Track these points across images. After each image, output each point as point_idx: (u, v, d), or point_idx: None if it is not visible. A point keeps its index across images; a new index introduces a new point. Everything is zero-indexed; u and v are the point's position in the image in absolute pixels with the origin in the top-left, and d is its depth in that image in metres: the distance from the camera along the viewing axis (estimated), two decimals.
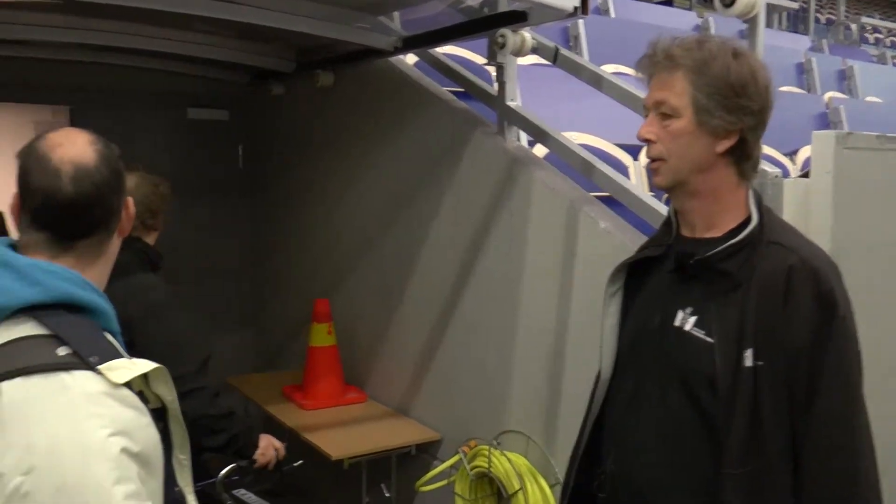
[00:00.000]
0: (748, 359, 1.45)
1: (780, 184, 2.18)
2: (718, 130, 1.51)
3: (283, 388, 3.92)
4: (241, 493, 2.92)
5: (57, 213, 1.26)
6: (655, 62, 1.57)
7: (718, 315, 1.50)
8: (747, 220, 1.55)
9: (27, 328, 1.18)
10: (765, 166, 2.06)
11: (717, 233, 1.57)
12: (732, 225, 1.56)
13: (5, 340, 1.17)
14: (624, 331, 1.72)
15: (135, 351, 2.45)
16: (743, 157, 1.55)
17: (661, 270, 1.65)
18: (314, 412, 3.65)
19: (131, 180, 2.59)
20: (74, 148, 1.28)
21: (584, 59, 4.07)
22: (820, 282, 1.45)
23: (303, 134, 4.40)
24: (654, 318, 1.62)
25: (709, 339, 1.50)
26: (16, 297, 1.18)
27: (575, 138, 3.14)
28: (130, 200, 1.39)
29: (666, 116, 1.54)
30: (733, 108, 1.50)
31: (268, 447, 2.74)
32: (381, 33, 3.35)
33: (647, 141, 1.58)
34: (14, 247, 1.27)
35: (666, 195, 3.10)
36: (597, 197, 2.78)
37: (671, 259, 1.63)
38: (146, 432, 1.19)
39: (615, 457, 1.69)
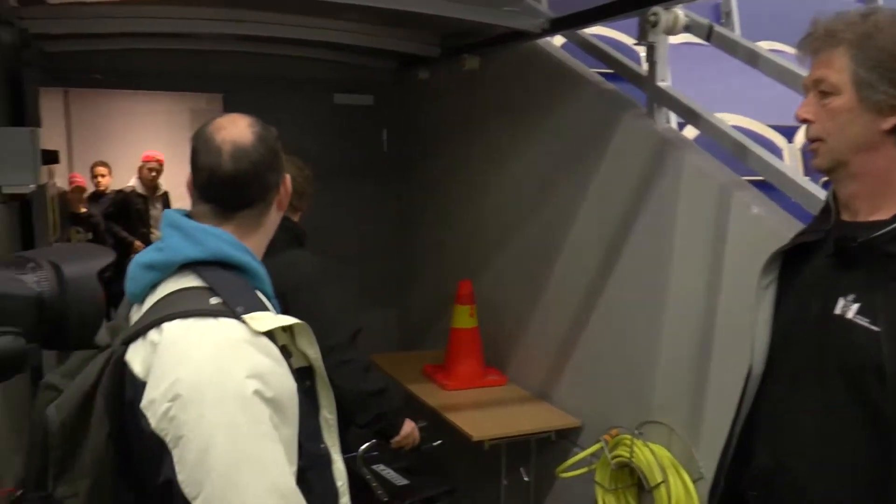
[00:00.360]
0: None
1: None
2: (883, 107, 1.43)
3: (424, 368, 3.99)
4: (380, 468, 3.00)
5: (219, 188, 1.40)
6: (816, 39, 1.50)
7: (885, 302, 1.40)
8: None
9: (189, 280, 1.35)
10: None
11: (883, 215, 1.47)
12: None
13: (171, 290, 1.34)
14: (777, 322, 1.63)
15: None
16: None
17: (819, 256, 1.56)
18: (455, 392, 3.69)
19: None
20: (235, 130, 1.41)
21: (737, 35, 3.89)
22: None
23: (448, 118, 4.44)
24: (810, 306, 1.53)
25: (874, 328, 1.40)
26: (181, 253, 1.35)
27: (727, 119, 3.01)
28: (288, 178, 1.50)
29: (825, 94, 1.48)
30: None
31: (410, 433, 2.79)
32: (528, 16, 3.32)
33: (805, 121, 1.52)
34: (189, 216, 1.43)
35: (823, 179, 2.95)
36: (749, 181, 2.66)
37: (829, 244, 1.54)
38: (282, 380, 1.28)
39: (771, 452, 1.61)
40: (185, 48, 4.25)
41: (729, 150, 2.72)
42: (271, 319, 1.30)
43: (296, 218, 2.86)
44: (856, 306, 1.44)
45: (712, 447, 2.64)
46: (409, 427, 2.80)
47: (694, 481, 2.70)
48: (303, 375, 1.37)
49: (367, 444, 2.86)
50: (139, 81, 4.79)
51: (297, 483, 1.27)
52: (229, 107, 4.94)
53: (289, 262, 2.59)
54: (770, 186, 2.60)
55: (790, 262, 1.63)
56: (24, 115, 3.75)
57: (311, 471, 1.35)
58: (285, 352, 1.33)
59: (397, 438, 2.77)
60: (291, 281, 2.50)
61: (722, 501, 1.72)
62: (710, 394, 2.66)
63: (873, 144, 1.46)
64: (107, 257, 0.90)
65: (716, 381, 2.64)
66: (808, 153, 1.58)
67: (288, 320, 1.34)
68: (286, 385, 1.28)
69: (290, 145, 2.91)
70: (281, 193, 1.49)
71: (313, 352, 1.39)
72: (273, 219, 1.50)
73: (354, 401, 2.64)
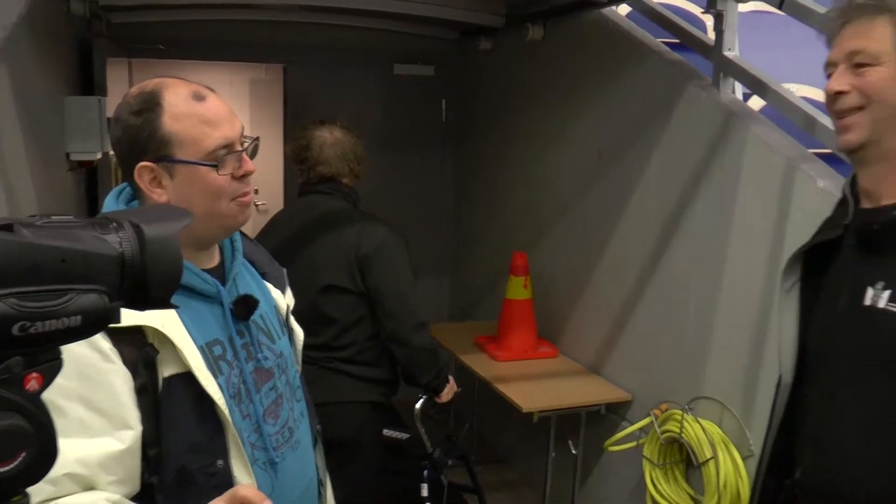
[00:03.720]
0: None
1: None
2: None
3: (476, 338, 3.99)
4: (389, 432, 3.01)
5: None
6: (857, 6, 1.41)
7: None
8: None
9: None
10: None
11: None
12: None
13: None
14: (805, 327, 1.55)
15: (367, 283, 2.55)
16: None
17: (841, 251, 1.49)
18: (506, 364, 3.69)
19: (335, 134, 2.75)
20: None
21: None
22: None
23: (509, 88, 4.41)
24: (838, 302, 1.46)
25: None
26: None
27: (796, 90, 2.92)
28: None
29: (861, 66, 1.39)
30: None
31: (452, 387, 2.83)
32: None
33: (839, 94, 1.41)
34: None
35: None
36: (817, 154, 2.57)
37: (851, 236, 1.46)
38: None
39: (812, 465, 1.52)
40: (246, 19, 4.29)
41: (797, 122, 2.64)
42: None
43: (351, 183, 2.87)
44: (887, 293, 1.37)
45: (765, 425, 2.61)
46: (451, 381, 2.84)
47: (744, 458, 2.66)
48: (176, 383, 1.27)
49: (422, 400, 2.90)
50: (200, 52, 4.86)
51: (149, 494, 1.22)
52: (290, 77, 5.01)
53: (366, 230, 2.65)
54: (838, 160, 2.51)
55: (812, 263, 1.55)
56: (92, 85, 3.85)
57: (183, 487, 1.27)
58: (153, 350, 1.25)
59: (445, 391, 2.80)
60: (370, 247, 2.60)
61: None
62: (765, 373, 2.60)
63: None
64: (186, 219, 0.92)
65: (771, 360, 2.57)
66: (840, 129, 1.46)
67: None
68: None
69: (351, 115, 2.99)
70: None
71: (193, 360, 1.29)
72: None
73: (425, 360, 2.70)
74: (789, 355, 1.56)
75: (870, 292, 1.39)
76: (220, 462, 1.31)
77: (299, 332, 1.65)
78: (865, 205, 1.47)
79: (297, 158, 2.78)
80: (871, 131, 1.40)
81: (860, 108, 1.40)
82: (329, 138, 2.74)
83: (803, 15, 2.66)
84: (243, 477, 1.33)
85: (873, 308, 1.38)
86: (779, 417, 1.59)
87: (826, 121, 2.53)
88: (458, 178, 5.16)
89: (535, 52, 3.99)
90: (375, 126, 4.78)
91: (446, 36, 4.79)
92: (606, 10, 3.46)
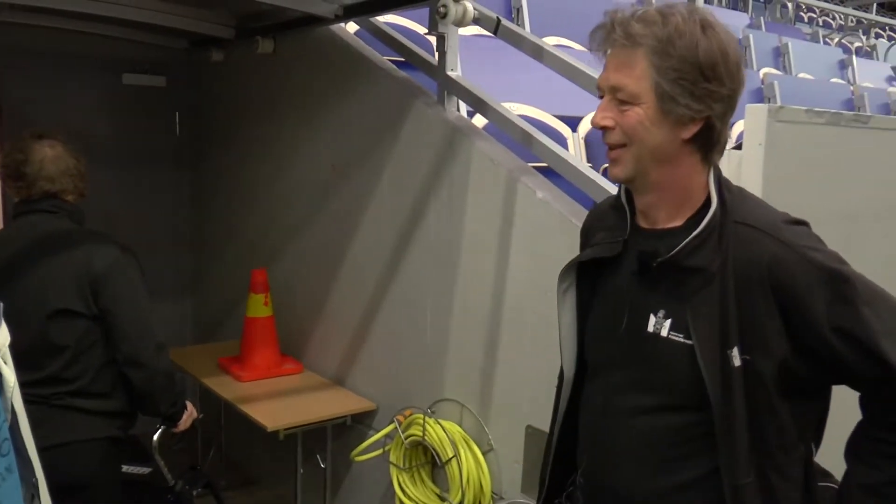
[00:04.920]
0: (735, 357, 1.33)
1: None
2: (684, 118, 1.36)
3: (219, 360, 3.87)
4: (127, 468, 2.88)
5: None
6: (612, 39, 1.38)
7: (693, 314, 1.37)
8: (707, 203, 1.42)
9: None
10: None
11: (677, 222, 1.44)
12: (692, 211, 1.43)
13: None
14: (588, 329, 1.58)
15: (100, 305, 2.41)
16: (709, 143, 1.40)
17: (622, 267, 1.51)
18: (250, 384, 3.61)
19: (56, 149, 2.56)
20: None
21: (527, 30, 4.08)
22: (810, 260, 1.34)
23: (242, 102, 4.32)
24: (620, 321, 1.48)
25: (688, 342, 1.37)
26: None
27: (515, 109, 3.14)
28: None
29: (623, 102, 1.37)
30: (701, 95, 1.34)
31: (191, 413, 2.73)
32: (322, 0, 3.29)
33: (604, 128, 1.41)
34: None
35: (605, 166, 3.15)
36: (535, 168, 2.79)
37: (630, 256, 1.48)
38: None
39: (588, 468, 1.57)
40: None
41: (517, 139, 2.84)
42: None
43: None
44: (668, 322, 1.41)
45: (502, 419, 2.79)
46: (190, 407, 2.74)
47: (484, 453, 2.81)
48: None
49: (160, 430, 2.76)
50: None
51: None
52: (5, 84, 4.54)
53: (97, 249, 2.48)
54: (555, 173, 2.74)
55: (591, 264, 1.57)
56: None
57: None
58: None
59: (183, 419, 2.70)
60: (102, 267, 2.45)
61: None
62: (500, 370, 2.79)
63: (674, 155, 1.39)
64: None
65: (504, 358, 2.77)
66: (609, 161, 1.45)
67: None
68: None
69: (77, 127, 2.77)
70: None
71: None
72: None
73: (163, 385, 2.57)
74: (570, 352, 1.60)
75: (652, 319, 1.43)
76: None
77: (9, 377, 1.50)
78: (642, 223, 1.50)
79: (14, 175, 2.54)
80: (635, 168, 1.40)
81: (624, 145, 1.39)
82: (50, 153, 2.53)
83: (516, 41, 2.87)
84: None
85: (656, 336, 1.42)
86: (563, 410, 1.64)
87: (542, 137, 2.77)
88: (196, 195, 4.95)
89: (268, 66, 3.95)
90: (105, 139, 4.47)
91: (176, 45, 4.59)
92: (335, 27, 3.50)
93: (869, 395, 1.41)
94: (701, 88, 1.33)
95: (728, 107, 1.38)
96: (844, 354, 1.34)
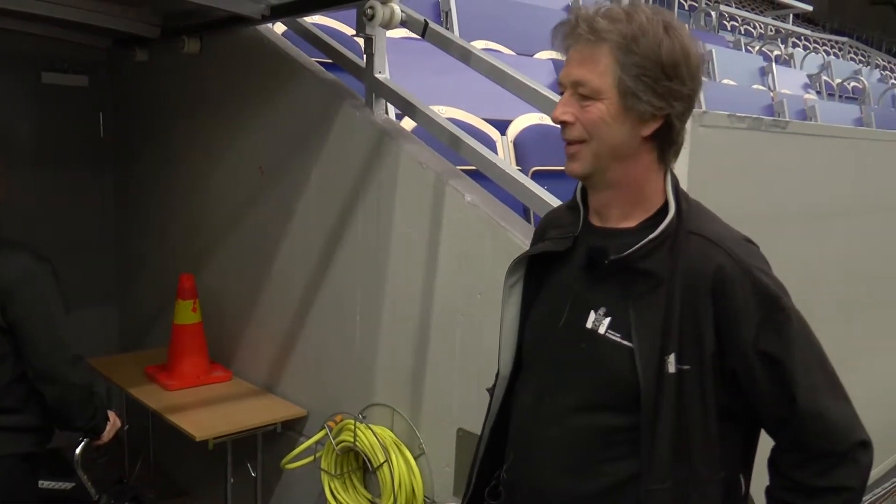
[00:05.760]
0: (671, 364, 1.35)
1: None
2: (644, 115, 1.37)
3: (145, 369, 3.77)
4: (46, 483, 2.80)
5: None
6: (577, 34, 1.39)
7: (637, 316, 1.38)
8: (663, 209, 1.43)
9: None
10: None
11: (631, 223, 1.45)
12: (647, 214, 1.44)
13: None
14: (528, 325, 1.58)
15: (9, 318, 2.34)
16: (667, 142, 1.42)
17: (570, 262, 1.51)
18: (178, 392, 3.52)
19: None
20: None
21: (455, 34, 4.08)
22: (754, 280, 1.37)
23: (168, 103, 4.22)
24: (560, 316, 1.48)
25: (627, 343, 1.38)
26: None
27: (443, 112, 3.14)
28: None
29: (585, 98, 1.38)
30: (663, 93, 1.36)
31: (115, 424, 2.66)
32: (248, 0, 3.23)
33: (564, 123, 1.41)
34: None
35: (534, 169, 3.17)
36: (464, 171, 2.79)
37: (580, 252, 1.49)
38: None
39: (513, 464, 1.57)
40: None
41: (445, 142, 2.84)
42: None
43: None
44: (607, 321, 1.41)
45: (433, 423, 2.78)
46: (113, 418, 2.67)
47: (416, 457, 2.80)
48: None
49: (82, 444, 2.67)
50: None
51: None
52: None
53: (5, 259, 2.39)
54: (482, 176, 2.75)
55: (540, 261, 1.57)
56: None
57: None
58: None
59: (106, 430, 2.63)
60: (10, 278, 2.36)
61: (472, 502, 1.69)
62: (430, 373, 2.78)
63: (633, 152, 1.40)
64: None
65: (434, 360, 2.76)
66: (567, 156, 1.45)
67: None
68: None
69: None
70: None
71: None
72: None
73: (80, 399, 2.49)
74: (509, 349, 1.60)
75: (592, 315, 1.43)
76: None
77: None
78: (595, 220, 1.51)
79: None
80: (594, 164, 1.41)
81: (584, 141, 1.40)
82: None
83: (444, 44, 2.87)
84: None
85: (593, 332, 1.42)
86: (496, 408, 1.64)
87: (470, 140, 2.77)
88: (121, 198, 4.82)
89: (194, 67, 3.87)
90: (22, 141, 4.32)
91: (97, 44, 4.45)
92: (263, 28, 3.45)
93: (772, 431, 1.44)
94: (663, 86, 1.35)
95: (687, 107, 1.41)
96: (760, 382, 1.37)
